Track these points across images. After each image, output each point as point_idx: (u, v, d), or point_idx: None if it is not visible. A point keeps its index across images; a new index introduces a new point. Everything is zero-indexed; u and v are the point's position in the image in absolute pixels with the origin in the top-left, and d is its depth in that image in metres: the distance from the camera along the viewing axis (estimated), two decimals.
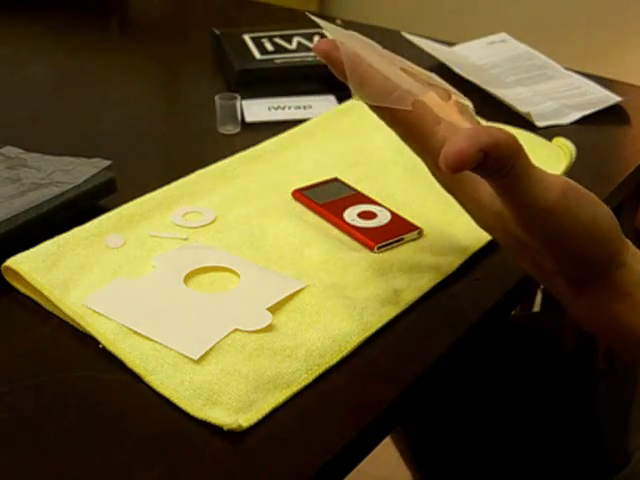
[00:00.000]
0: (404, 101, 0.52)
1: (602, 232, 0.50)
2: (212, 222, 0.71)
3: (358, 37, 0.58)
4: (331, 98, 0.93)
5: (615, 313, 0.51)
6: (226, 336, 0.57)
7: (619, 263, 0.51)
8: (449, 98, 0.54)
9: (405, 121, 0.53)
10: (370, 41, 0.58)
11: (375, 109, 0.55)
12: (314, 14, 0.61)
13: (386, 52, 0.58)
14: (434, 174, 0.56)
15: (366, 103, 0.55)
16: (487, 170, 0.46)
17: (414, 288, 0.63)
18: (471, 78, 0.98)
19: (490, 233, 0.56)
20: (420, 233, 0.69)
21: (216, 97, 0.89)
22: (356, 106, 0.86)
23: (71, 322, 0.59)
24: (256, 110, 0.92)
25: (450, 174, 0.45)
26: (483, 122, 0.88)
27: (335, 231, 0.70)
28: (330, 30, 0.57)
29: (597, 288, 0.51)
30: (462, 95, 0.56)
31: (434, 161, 0.53)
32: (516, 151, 0.46)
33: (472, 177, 0.51)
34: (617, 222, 0.51)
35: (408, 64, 0.57)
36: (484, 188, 0.52)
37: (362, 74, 0.53)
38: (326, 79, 0.83)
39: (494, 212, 0.52)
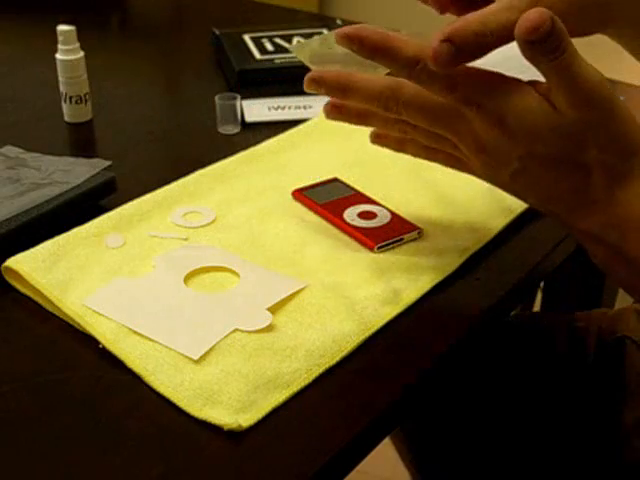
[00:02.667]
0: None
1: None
2: (212, 222, 0.71)
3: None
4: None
5: None
6: (226, 336, 0.57)
7: None
8: None
9: None
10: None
11: None
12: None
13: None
14: None
15: None
16: (551, 44, 0.50)
17: (414, 288, 0.63)
18: None
19: None
20: (420, 233, 0.69)
21: (216, 97, 0.89)
22: None
23: (71, 322, 0.59)
24: (256, 110, 0.92)
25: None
26: None
27: (335, 231, 0.70)
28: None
29: (634, 175, 0.53)
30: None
31: None
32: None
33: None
34: None
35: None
36: None
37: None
38: None
39: None
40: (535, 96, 0.53)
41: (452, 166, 0.63)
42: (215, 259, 0.65)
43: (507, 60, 1.14)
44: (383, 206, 0.72)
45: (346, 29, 0.54)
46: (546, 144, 0.53)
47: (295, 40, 1.05)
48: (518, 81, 0.54)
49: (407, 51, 0.52)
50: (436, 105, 0.55)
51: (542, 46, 0.50)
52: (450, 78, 0.53)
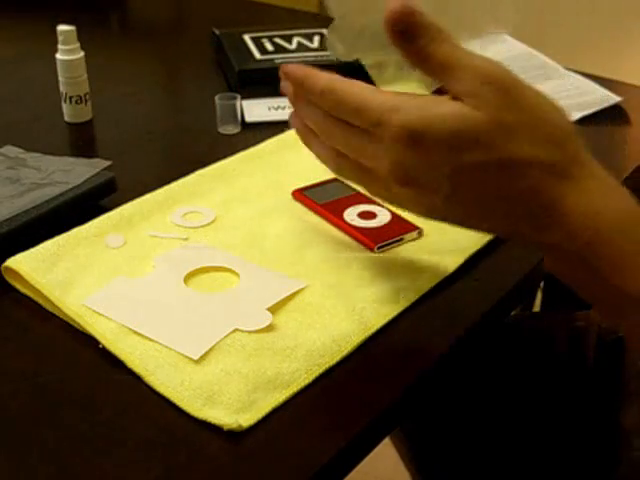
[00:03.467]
0: None
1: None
2: (212, 222, 0.71)
3: None
4: None
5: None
6: (226, 336, 0.57)
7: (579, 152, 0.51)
8: None
9: None
10: None
11: None
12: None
13: None
14: None
15: None
16: (414, 33, 0.49)
17: (414, 288, 0.63)
18: None
19: None
20: (420, 233, 0.69)
21: (216, 97, 0.89)
22: None
23: (71, 322, 0.59)
24: (256, 110, 0.92)
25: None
26: None
27: (335, 231, 0.70)
28: None
29: (574, 172, 0.50)
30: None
31: None
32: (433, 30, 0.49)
33: None
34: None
35: None
36: None
37: None
38: None
39: None
40: (444, 102, 0.50)
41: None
42: (215, 259, 0.65)
43: (505, 61, 1.14)
44: (383, 206, 0.72)
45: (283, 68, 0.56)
46: (470, 150, 0.49)
47: (295, 40, 1.05)
48: (423, 95, 0.52)
49: (319, 81, 0.53)
50: (349, 131, 0.53)
51: (406, 35, 0.49)
52: (353, 102, 0.51)
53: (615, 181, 0.52)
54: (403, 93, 0.51)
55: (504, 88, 0.49)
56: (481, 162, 0.49)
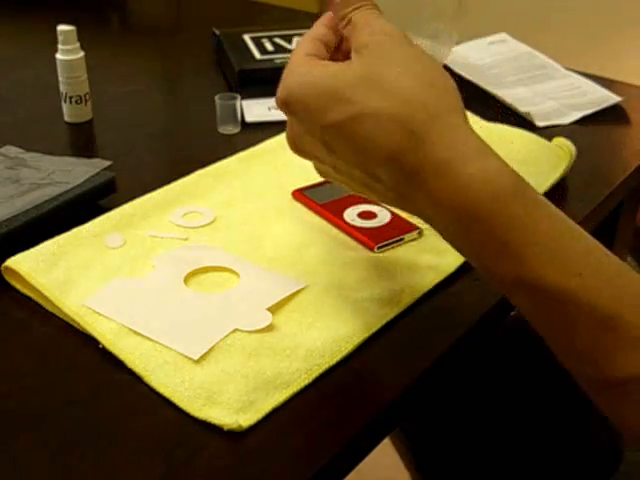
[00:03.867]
0: None
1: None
2: (212, 222, 0.71)
3: None
4: None
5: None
6: (226, 336, 0.57)
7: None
8: None
9: None
10: None
11: None
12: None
13: None
14: None
15: None
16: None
17: (414, 288, 0.63)
18: (471, 78, 0.98)
19: None
20: (420, 233, 0.69)
21: (216, 97, 0.89)
22: None
23: (71, 322, 0.59)
24: (256, 110, 0.92)
25: None
26: (483, 123, 0.88)
27: (335, 231, 0.70)
28: None
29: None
30: None
31: None
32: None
33: None
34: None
35: None
36: None
37: None
38: None
39: None
40: (325, 65, 0.50)
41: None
42: (215, 259, 0.65)
43: (506, 61, 1.14)
44: (383, 206, 0.72)
45: None
46: (331, 108, 0.47)
47: (295, 40, 1.05)
48: (322, 62, 0.51)
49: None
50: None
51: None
52: (294, 52, 0.53)
53: (499, 161, 0.47)
54: (320, 61, 0.51)
55: (393, 37, 0.50)
56: (341, 119, 0.47)
